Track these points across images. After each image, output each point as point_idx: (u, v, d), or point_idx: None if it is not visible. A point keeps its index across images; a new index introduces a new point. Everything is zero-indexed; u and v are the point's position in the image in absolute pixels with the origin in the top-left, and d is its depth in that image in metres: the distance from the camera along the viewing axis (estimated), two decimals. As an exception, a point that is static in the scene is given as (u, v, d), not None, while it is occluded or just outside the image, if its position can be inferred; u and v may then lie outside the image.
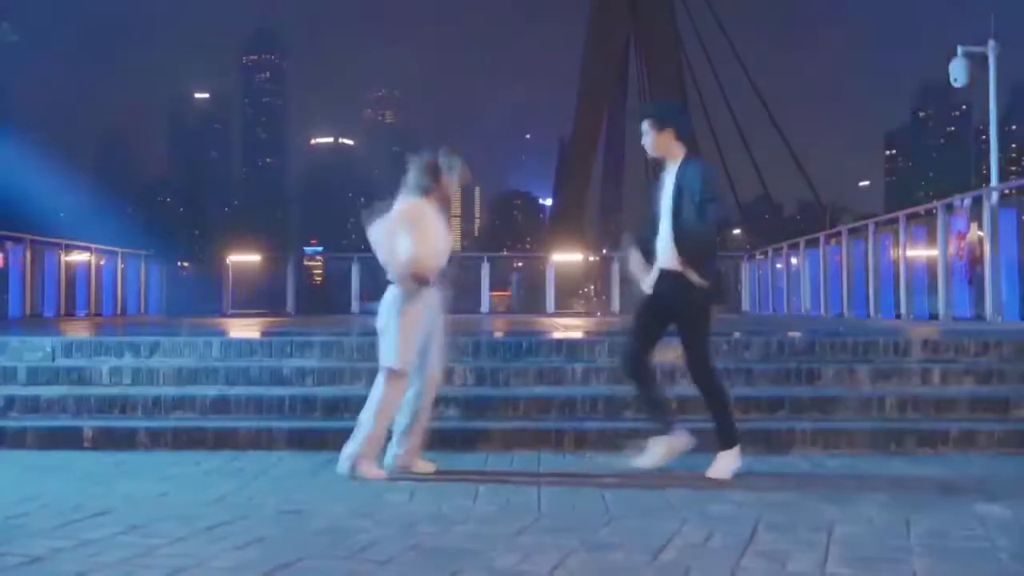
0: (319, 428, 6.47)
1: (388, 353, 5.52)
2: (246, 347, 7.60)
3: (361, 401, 6.76)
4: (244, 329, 10.74)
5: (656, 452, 5.66)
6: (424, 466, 5.63)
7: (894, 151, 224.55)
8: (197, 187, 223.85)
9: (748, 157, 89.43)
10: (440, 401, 6.77)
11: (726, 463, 5.49)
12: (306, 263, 44.70)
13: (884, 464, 5.97)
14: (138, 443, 6.41)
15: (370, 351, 7.54)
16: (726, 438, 5.56)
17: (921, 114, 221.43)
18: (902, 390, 6.95)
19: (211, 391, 6.96)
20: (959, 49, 14.41)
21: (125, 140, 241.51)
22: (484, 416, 6.71)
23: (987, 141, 15.45)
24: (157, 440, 6.42)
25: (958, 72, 14.52)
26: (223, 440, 6.41)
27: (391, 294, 5.53)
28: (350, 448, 5.52)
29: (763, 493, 5.02)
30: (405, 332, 5.46)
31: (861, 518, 4.47)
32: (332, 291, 28.71)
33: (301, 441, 6.38)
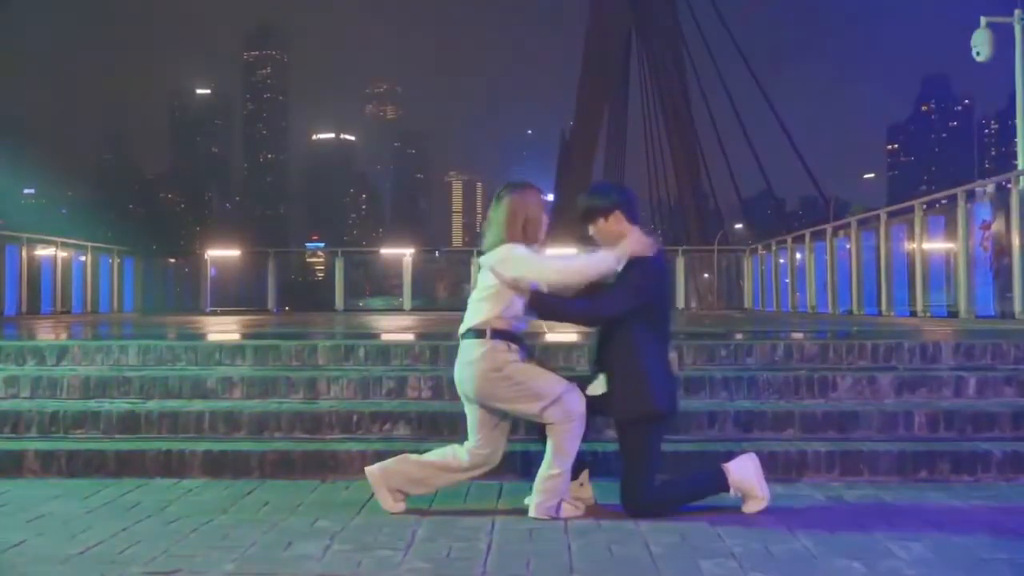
0: (241, 451, 5.43)
1: (530, 404, 4.52)
2: (168, 352, 6.52)
3: (295, 418, 5.80)
4: (194, 329, 9.72)
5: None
6: (396, 504, 4.62)
7: (896, 145, 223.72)
8: (198, 183, 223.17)
9: (750, 151, 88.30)
10: (388, 417, 5.79)
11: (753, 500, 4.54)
12: (308, 259, 43.83)
13: (915, 495, 4.95)
14: (26, 469, 5.39)
15: (309, 356, 6.56)
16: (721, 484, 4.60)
17: (923, 108, 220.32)
18: (932, 403, 5.90)
19: (120, 405, 5.93)
20: (982, 19, 13.29)
21: (126, 136, 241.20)
22: (439, 434, 5.67)
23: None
24: (49, 465, 5.40)
25: (981, 44, 13.37)
26: (127, 465, 5.39)
27: (475, 355, 4.55)
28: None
29: (769, 542, 3.98)
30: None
31: (898, 582, 3.45)
32: (320, 288, 27.75)
33: (219, 467, 5.36)
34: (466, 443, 4.67)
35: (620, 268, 4.55)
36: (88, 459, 5.41)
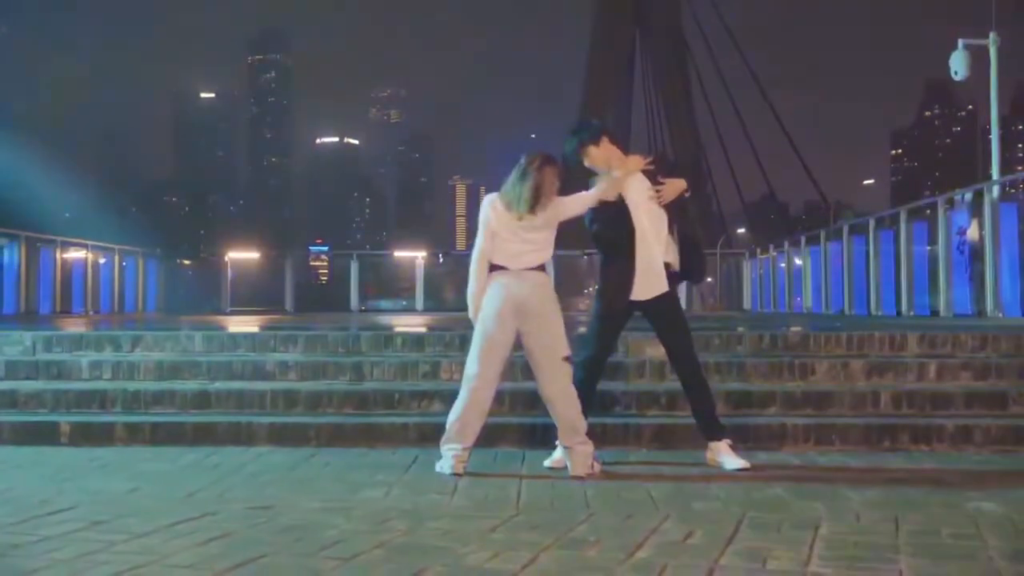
0: (300, 423, 6.33)
1: (564, 342, 5.45)
2: (229, 341, 7.45)
3: (344, 396, 6.68)
4: (233, 325, 10.64)
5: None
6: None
7: (900, 150, 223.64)
8: (203, 186, 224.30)
9: (753, 156, 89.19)
10: (424, 396, 6.67)
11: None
12: (312, 263, 44.65)
13: (877, 460, 5.82)
14: (116, 438, 6.28)
15: (353, 344, 7.46)
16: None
17: (927, 113, 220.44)
18: (897, 385, 6.79)
19: (192, 385, 6.83)
20: (959, 42, 14.25)
21: (131, 140, 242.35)
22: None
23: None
24: (135, 435, 6.29)
25: (958, 65, 14.35)
26: (202, 435, 6.28)
27: (545, 279, 5.50)
28: (590, 448, 5.36)
29: (750, 490, 4.87)
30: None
31: (849, 515, 4.32)
32: (332, 289, 28.64)
33: (281, 436, 6.25)
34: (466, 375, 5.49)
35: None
36: (169, 429, 6.31)
